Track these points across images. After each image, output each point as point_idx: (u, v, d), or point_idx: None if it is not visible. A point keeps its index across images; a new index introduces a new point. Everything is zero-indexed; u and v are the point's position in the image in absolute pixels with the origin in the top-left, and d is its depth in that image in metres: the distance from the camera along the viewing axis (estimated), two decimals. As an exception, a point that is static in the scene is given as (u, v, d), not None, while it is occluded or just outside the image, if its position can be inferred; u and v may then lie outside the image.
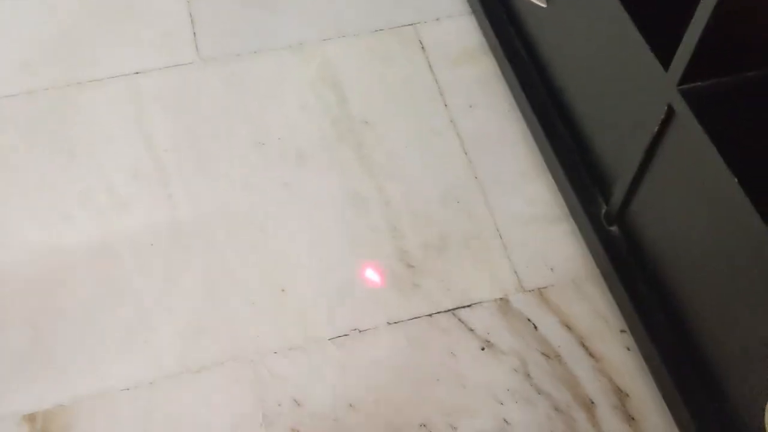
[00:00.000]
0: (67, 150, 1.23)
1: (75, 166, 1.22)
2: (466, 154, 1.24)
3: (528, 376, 1.04)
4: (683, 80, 0.84)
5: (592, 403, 1.03)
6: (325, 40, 1.36)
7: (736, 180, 0.79)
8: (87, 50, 1.34)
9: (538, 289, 1.11)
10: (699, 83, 0.84)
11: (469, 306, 1.10)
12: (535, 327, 1.08)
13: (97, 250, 1.14)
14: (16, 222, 1.16)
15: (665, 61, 0.86)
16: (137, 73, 1.32)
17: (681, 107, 0.85)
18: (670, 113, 0.88)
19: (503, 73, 1.29)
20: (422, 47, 1.36)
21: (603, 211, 1.08)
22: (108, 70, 1.32)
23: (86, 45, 1.35)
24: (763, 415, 0.76)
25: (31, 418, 1.00)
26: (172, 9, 1.39)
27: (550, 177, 1.19)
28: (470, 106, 1.29)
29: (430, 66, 1.34)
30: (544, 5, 1.14)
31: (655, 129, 0.90)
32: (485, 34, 1.33)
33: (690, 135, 0.85)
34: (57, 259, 1.13)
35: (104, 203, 1.18)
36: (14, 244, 1.14)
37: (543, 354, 1.06)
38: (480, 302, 1.10)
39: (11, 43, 1.34)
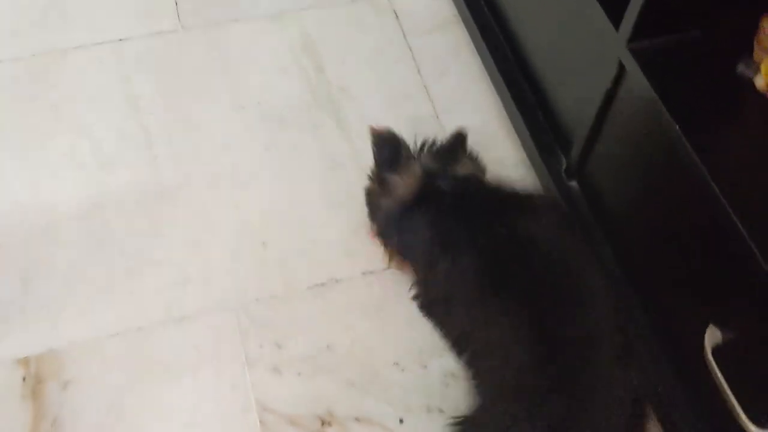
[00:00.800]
0: (54, 112, 1.28)
1: (62, 127, 1.26)
2: (437, 117, 1.30)
3: (493, 320, 1.11)
4: (632, 38, 0.91)
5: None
6: (302, 9, 1.41)
7: (678, 127, 0.85)
8: (72, 17, 1.39)
9: (504, 240, 1.18)
10: (647, 41, 0.91)
11: (438, 257, 1.16)
12: (501, 275, 1.15)
13: (84, 207, 1.19)
14: (4, 179, 1.21)
15: (616, 21, 0.92)
16: (121, 39, 1.36)
17: (631, 65, 0.92)
18: (621, 70, 0.95)
19: (473, 40, 1.35)
20: (396, 16, 1.42)
21: (563, 167, 1.15)
22: (93, 36, 1.36)
23: (72, 12, 1.39)
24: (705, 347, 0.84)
25: (24, 362, 1.06)
26: (154, -22, 1.43)
27: (517, 137, 1.25)
28: (442, 73, 1.36)
29: (404, 34, 1.40)
30: (510, -26, 1.20)
31: (608, 86, 0.97)
32: (456, 4, 1.39)
33: (639, 91, 0.91)
34: (45, 215, 1.18)
35: (90, 162, 1.23)
36: (3, 201, 1.19)
37: (507, 300, 1.13)
38: (449, 253, 1.16)
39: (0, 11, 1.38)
